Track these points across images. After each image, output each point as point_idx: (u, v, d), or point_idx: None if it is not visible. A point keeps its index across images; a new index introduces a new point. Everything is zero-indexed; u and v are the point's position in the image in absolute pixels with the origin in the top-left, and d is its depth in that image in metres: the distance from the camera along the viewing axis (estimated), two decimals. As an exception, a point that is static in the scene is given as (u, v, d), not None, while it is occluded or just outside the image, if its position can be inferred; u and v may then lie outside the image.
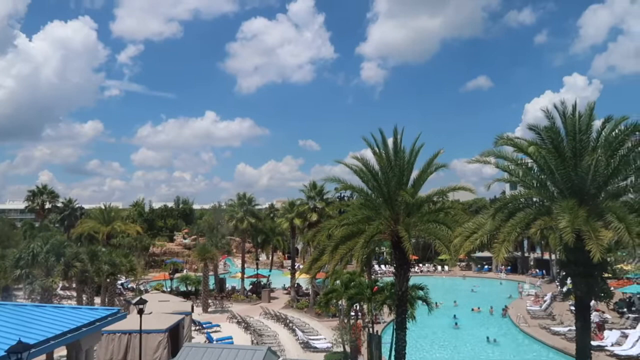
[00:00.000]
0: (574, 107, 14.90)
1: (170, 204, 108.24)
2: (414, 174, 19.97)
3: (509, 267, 67.99)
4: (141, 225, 67.35)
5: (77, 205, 78.30)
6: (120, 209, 72.42)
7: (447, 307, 42.58)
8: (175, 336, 25.18)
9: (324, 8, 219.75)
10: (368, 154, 20.28)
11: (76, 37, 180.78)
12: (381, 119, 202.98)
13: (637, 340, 28.62)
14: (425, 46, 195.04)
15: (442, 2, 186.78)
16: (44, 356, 25.54)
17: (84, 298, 35.55)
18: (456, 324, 38.21)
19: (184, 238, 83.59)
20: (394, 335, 19.17)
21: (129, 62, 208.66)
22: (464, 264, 74.30)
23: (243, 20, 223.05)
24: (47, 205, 74.78)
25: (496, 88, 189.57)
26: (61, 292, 49.34)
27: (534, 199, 15.71)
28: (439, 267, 73.06)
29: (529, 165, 16.08)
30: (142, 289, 50.35)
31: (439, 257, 69.44)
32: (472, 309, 44.05)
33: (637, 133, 14.28)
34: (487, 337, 33.41)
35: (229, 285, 54.16)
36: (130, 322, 22.32)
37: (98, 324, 18.08)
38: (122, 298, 45.12)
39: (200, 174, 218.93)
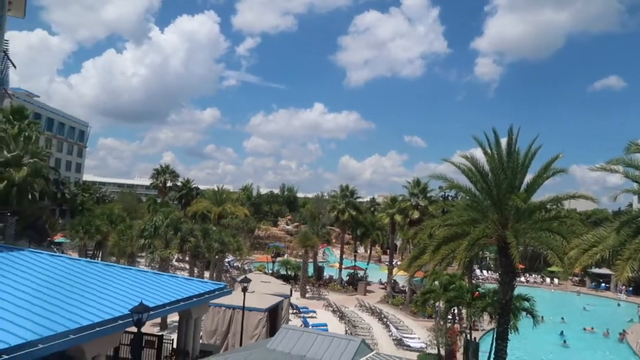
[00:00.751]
0: None
1: (276, 191, 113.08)
2: (528, 177, 18.80)
3: (630, 288, 61.06)
4: (248, 209, 71.03)
5: (193, 186, 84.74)
6: (230, 191, 77.08)
7: (554, 323, 39.59)
8: (274, 316, 26.37)
9: (439, 1, 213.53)
10: (477, 154, 19.43)
11: (201, 30, 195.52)
12: (494, 118, 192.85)
13: None
14: (548, 41, 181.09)
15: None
16: (159, 319, 28.25)
17: (195, 271, 38.53)
18: (565, 341, 35.37)
19: (287, 224, 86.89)
20: (494, 345, 18.30)
21: (246, 53, 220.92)
22: (577, 278, 68.38)
23: (356, 13, 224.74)
24: (169, 184, 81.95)
25: (630, 89, 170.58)
26: (176, 264, 54.01)
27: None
28: (548, 280, 67.96)
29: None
30: (246, 268, 53.37)
31: (549, 269, 64.58)
32: (584, 329, 40.42)
33: None
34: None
35: (326, 274, 55.34)
36: (235, 298, 23.79)
37: (207, 296, 19.52)
38: (228, 275, 48.20)
39: (305, 164, 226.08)
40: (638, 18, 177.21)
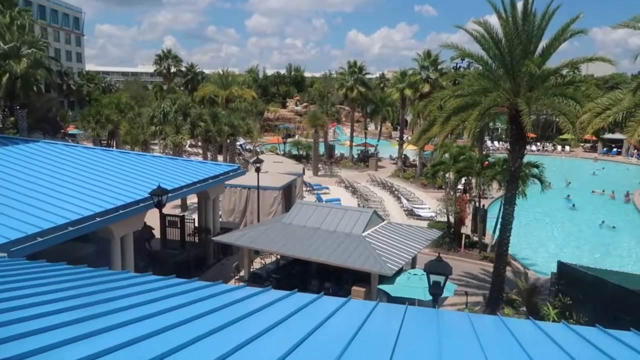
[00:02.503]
0: None
1: (283, 71, 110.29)
2: (544, 42, 17.87)
3: (641, 152, 61.64)
4: (256, 91, 70.11)
5: (198, 70, 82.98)
6: (236, 74, 75.49)
7: (564, 188, 40.75)
8: (288, 194, 27.37)
9: None
10: (492, 20, 18.37)
11: None
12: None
13: None
14: None
15: None
16: (179, 201, 29.49)
17: (209, 155, 39.34)
18: (574, 205, 36.65)
19: (296, 105, 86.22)
20: (501, 210, 19.01)
21: None
22: (588, 145, 68.73)
23: None
24: (173, 70, 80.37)
25: None
26: (189, 149, 55.01)
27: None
28: (559, 147, 68.43)
29: (693, 31, 13.48)
30: (258, 150, 54.23)
31: (560, 137, 64.73)
32: (593, 191, 41.68)
33: None
34: (603, 222, 31.84)
35: (337, 152, 56.22)
36: (249, 179, 24.54)
37: (222, 177, 20.13)
38: (241, 157, 49.24)
39: (311, 42, 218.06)
40: None
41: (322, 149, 51.23)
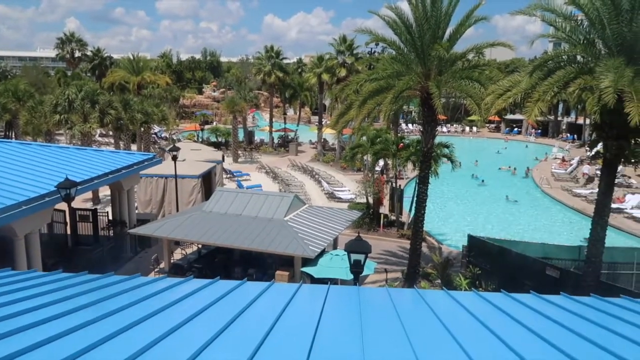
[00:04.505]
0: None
1: (198, 56, 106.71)
2: (451, 28, 18.81)
3: (539, 130, 67.15)
4: (170, 77, 67.25)
5: (106, 55, 77.98)
6: (148, 59, 71.82)
7: (472, 167, 43.41)
8: (208, 182, 26.73)
9: None
10: (404, 6, 19.02)
11: None
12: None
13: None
14: None
15: None
16: (90, 194, 27.78)
17: (121, 145, 37.29)
18: (483, 181, 39.18)
19: (213, 91, 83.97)
20: (416, 189, 19.90)
21: None
22: (493, 126, 73.64)
23: None
24: (77, 54, 74.94)
25: None
26: (100, 139, 51.87)
27: (578, 57, 14.78)
28: (467, 129, 72.71)
29: (579, 20, 14.81)
30: (175, 138, 52.33)
31: (468, 118, 68.74)
32: (500, 168, 44.83)
33: None
34: (507, 196, 34.45)
35: (257, 138, 55.69)
36: (166, 167, 23.66)
37: (136, 167, 19.24)
38: (156, 146, 47.23)
39: (227, 25, 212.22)
40: None
41: (241, 135, 50.50)
